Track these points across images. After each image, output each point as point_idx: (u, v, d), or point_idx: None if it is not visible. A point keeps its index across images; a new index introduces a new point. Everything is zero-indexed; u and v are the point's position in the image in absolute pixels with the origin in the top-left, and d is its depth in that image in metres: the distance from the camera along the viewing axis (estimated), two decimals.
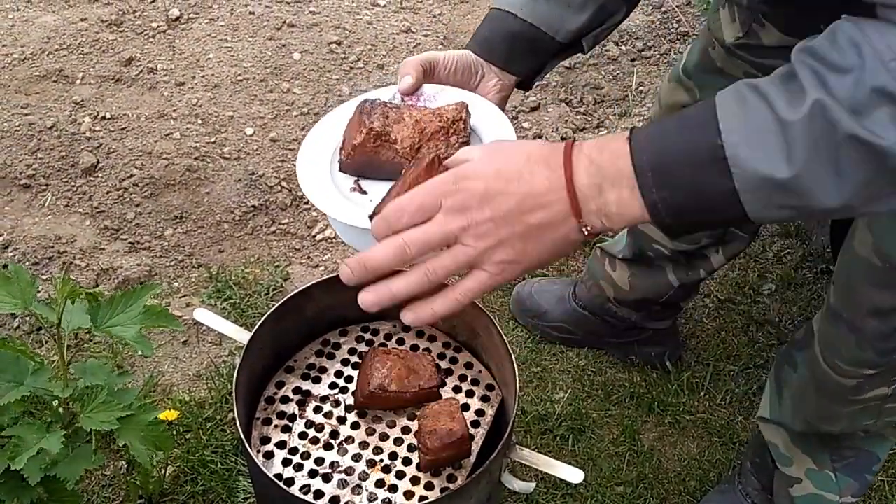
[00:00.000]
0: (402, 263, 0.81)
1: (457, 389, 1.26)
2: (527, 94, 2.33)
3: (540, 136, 2.25)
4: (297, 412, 1.22)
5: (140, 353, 1.73)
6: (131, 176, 2.05)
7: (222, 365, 1.74)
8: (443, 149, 1.01)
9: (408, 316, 0.84)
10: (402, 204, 0.81)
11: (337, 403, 1.23)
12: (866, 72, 0.68)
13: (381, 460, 1.17)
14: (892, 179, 0.71)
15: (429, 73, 1.10)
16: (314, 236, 2.01)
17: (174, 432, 1.59)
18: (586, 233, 0.79)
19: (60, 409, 1.18)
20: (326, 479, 1.15)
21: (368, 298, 0.83)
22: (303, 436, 1.20)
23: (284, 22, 2.46)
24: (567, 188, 0.77)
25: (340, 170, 1.05)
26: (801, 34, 1.19)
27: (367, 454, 1.18)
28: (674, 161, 0.74)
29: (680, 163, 0.74)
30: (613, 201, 0.77)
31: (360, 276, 0.82)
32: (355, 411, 1.22)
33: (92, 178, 2.05)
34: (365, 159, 1.03)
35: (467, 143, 1.03)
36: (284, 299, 1.26)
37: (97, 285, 1.87)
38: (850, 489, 1.42)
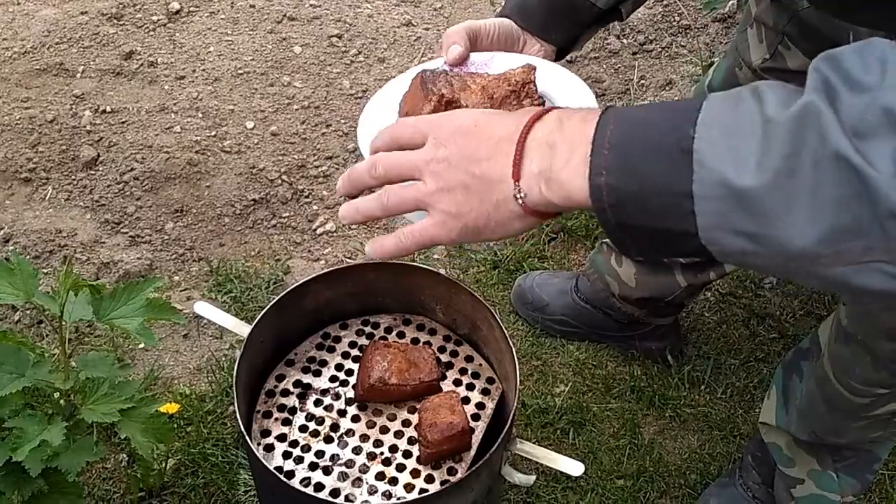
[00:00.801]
0: (372, 179, 0.78)
1: (457, 382, 1.26)
2: None
3: None
4: (297, 405, 1.22)
5: (142, 345, 1.74)
6: (132, 169, 2.05)
7: (223, 358, 1.74)
8: None
9: (367, 247, 0.81)
10: (405, 120, 0.79)
11: (337, 396, 1.23)
12: (884, 90, 0.56)
13: (382, 453, 1.17)
14: (880, 233, 0.55)
15: (473, 42, 1.05)
16: (315, 230, 2.01)
17: (175, 425, 1.59)
18: (521, 201, 0.69)
19: (61, 401, 1.18)
20: (327, 471, 1.15)
21: (341, 211, 0.81)
22: (303, 429, 1.20)
23: (285, 15, 2.45)
24: (518, 141, 0.69)
25: None
26: None
27: (368, 447, 1.18)
28: (636, 142, 0.63)
29: (642, 145, 0.63)
30: (560, 165, 0.67)
31: (344, 186, 0.81)
32: (356, 404, 1.22)
33: (92, 172, 2.05)
34: None
35: (542, 104, 0.95)
36: (285, 293, 1.26)
37: (98, 279, 1.87)
38: (851, 488, 1.42)
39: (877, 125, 0.55)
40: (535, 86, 0.96)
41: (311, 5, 2.50)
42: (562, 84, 1.01)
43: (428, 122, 0.76)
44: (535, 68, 0.97)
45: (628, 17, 1.09)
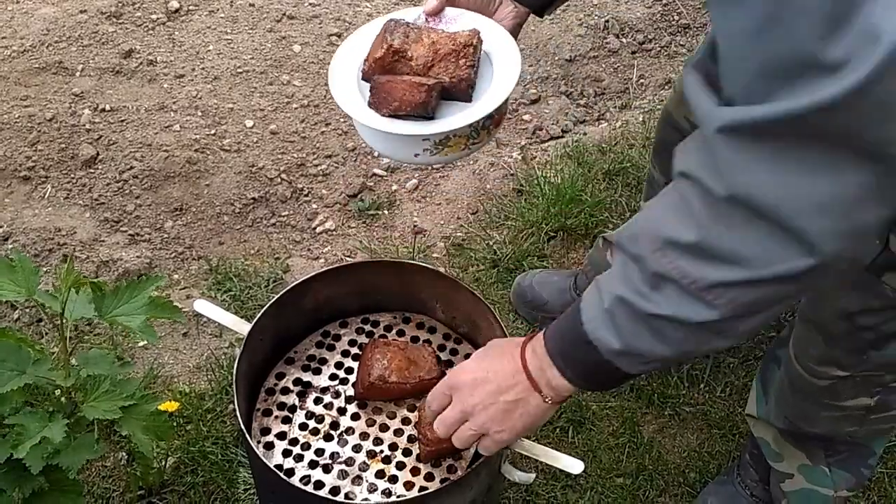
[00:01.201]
0: (446, 435, 1.08)
1: None
2: (527, 86, 2.33)
3: (540, 129, 2.25)
4: (297, 403, 1.23)
5: (141, 343, 1.74)
6: (131, 168, 2.05)
7: (222, 356, 1.74)
8: (451, 69, 1.12)
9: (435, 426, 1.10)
10: (432, 395, 1.10)
11: (337, 395, 1.24)
12: (645, 261, 0.87)
13: (382, 451, 1.17)
14: (699, 334, 0.88)
15: None
16: (314, 228, 2.01)
17: (174, 423, 1.59)
18: (549, 402, 1.02)
19: (62, 399, 1.18)
20: (327, 469, 1.16)
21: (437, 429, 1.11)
22: (303, 427, 1.20)
23: (284, 14, 2.45)
24: (524, 372, 1.01)
25: (363, 79, 1.16)
26: None
27: (368, 445, 1.18)
28: (564, 347, 0.98)
29: (568, 348, 0.97)
30: (552, 377, 0.99)
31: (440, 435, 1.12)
32: (356, 402, 1.23)
33: (92, 170, 2.05)
34: (382, 72, 1.13)
35: (474, 66, 1.13)
36: (284, 291, 1.26)
37: (97, 277, 1.87)
38: (845, 483, 1.42)
39: (653, 284, 0.86)
40: (473, 49, 1.13)
41: (310, 4, 2.50)
42: (501, 50, 1.17)
43: (449, 387, 1.07)
44: (479, 33, 1.15)
45: None
